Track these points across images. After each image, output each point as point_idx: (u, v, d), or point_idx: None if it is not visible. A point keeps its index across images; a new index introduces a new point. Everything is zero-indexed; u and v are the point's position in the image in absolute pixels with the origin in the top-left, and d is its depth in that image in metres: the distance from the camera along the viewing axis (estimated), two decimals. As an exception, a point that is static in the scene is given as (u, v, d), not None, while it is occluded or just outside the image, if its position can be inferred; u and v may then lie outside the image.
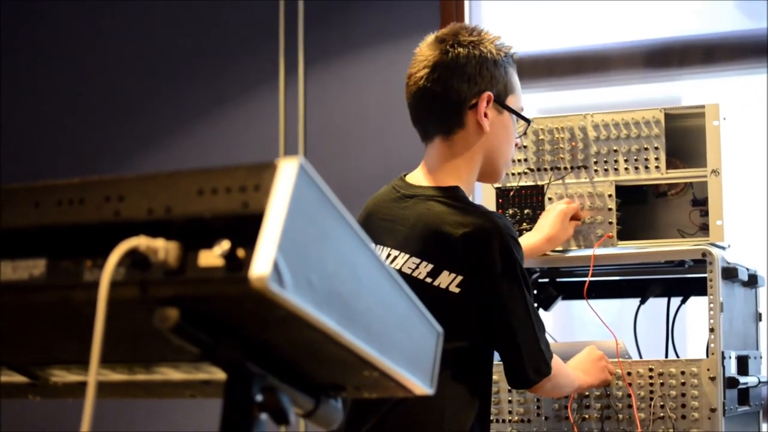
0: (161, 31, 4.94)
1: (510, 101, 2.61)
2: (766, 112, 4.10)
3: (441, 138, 2.58)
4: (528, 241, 2.89)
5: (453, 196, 2.53)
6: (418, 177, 2.61)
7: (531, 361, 2.49)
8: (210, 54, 4.86)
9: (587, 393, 2.85)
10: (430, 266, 2.46)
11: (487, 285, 2.45)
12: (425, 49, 2.57)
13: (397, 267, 2.49)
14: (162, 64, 4.93)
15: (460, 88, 2.54)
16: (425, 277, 2.46)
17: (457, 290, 2.45)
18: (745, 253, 3.14)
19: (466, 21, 4.43)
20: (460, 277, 2.45)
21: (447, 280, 2.45)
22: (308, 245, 1.14)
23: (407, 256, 2.50)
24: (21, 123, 5.08)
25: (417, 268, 2.48)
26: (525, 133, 2.90)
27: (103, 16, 5.01)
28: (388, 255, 2.52)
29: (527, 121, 2.70)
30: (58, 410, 4.56)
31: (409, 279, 2.45)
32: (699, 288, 2.96)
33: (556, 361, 2.57)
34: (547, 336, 2.58)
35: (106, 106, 5.00)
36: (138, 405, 4.67)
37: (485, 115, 2.56)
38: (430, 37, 2.60)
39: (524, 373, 2.50)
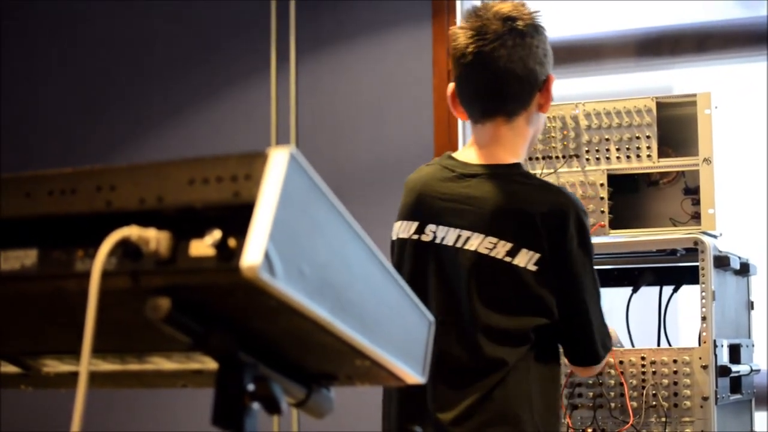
0: (152, 20, 4.93)
1: None
2: (760, 100, 4.11)
3: (503, 117, 2.47)
4: None
5: (520, 173, 2.47)
6: (470, 156, 2.51)
7: (600, 336, 2.46)
8: (201, 44, 4.85)
9: (579, 381, 2.86)
10: (509, 245, 2.39)
11: (564, 260, 2.40)
12: (489, 26, 2.43)
13: (473, 248, 2.41)
14: (153, 54, 4.92)
15: (536, 71, 2.45)
16: (504, 257, 2.39)
17: (534, 268, 2.38)
18: (737, 242, 3.14)
19: (458, 10, 4.43)
20: (537, 255, 2.38)
21: (525, 258, 2.38)
22: (299, 235, 1.14)
23: (482, 236, 2.41)
24: (10, 113, 5.07)
25: (495, 247, 2.39)
26: None
27: (95, 6, 5.00)
28: (459, 236, 2.43)
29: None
30: (58, 410, 4.54)
31: (487, 259, 2.39)
32: (691, 276, 2.97)
33: None
34: None
35: (97, 97, 4.99)
36: (131, 396, 4.68)
37: None
38: (487, 11, 2.46)
39: (593, 349, 2.46)
